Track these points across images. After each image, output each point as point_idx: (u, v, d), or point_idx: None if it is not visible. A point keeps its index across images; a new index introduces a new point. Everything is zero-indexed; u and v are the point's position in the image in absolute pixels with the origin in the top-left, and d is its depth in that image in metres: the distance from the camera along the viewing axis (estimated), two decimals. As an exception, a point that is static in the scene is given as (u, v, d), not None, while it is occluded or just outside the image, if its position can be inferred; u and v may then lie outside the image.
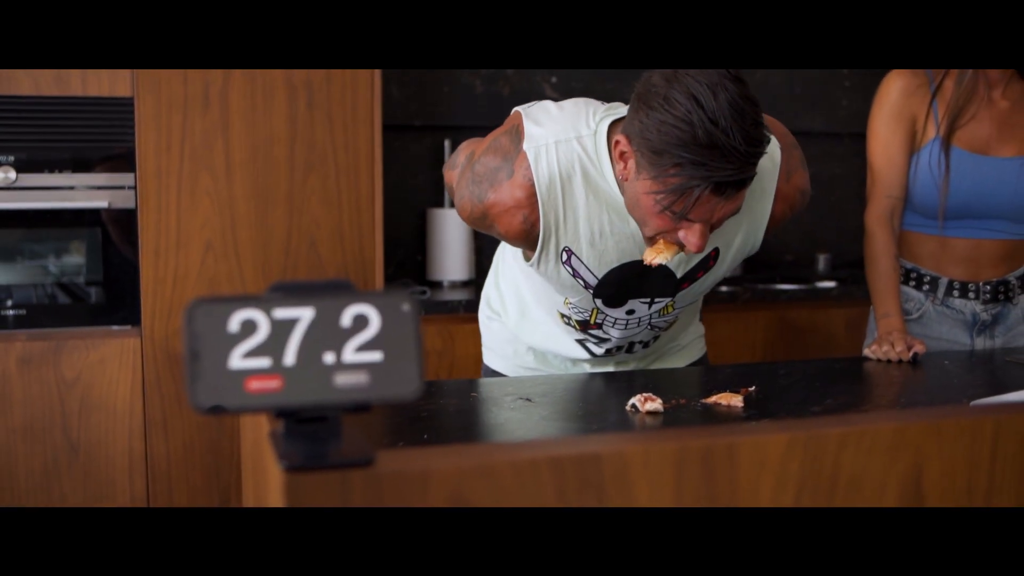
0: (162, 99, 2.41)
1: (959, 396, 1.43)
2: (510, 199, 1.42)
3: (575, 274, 1.48)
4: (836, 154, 3.47)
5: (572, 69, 3.15)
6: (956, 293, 2.01)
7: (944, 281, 2.02)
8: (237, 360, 0.65)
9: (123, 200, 2.45)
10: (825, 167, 3.43)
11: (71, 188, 2.42)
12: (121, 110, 2.41)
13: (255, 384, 0.66)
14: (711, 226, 1.31)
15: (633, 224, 1.41)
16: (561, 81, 3.16)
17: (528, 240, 1.47)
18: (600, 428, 1.26)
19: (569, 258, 1.47)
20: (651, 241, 1.37)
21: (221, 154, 2.47)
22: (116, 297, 2.48)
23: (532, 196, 1.41)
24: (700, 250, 1.32)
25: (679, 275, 1.51)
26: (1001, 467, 0.80)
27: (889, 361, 1.74)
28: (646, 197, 1.30)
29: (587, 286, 1.50)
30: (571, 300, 1.56)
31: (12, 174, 2.36)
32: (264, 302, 0.66)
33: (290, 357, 0.66)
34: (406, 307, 0.69)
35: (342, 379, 0.67)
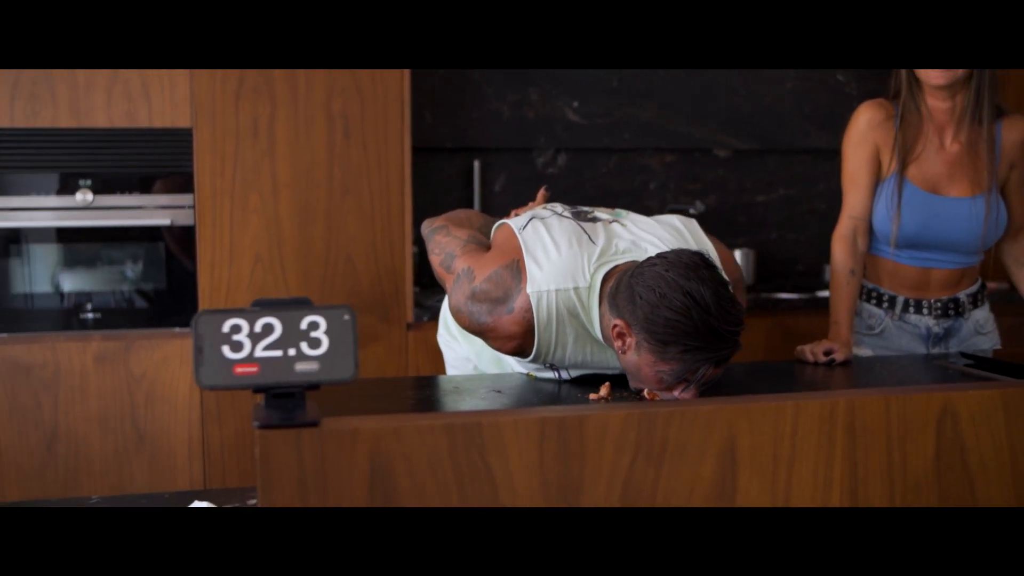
0: (217, 129, 2.73)
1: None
2: (507, 331, 1.64)
3: (553, 367, 1.75)
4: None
5: (592, 95, 3.42)
6: (911, 310, 2.23)
7: (900, 299, 2.23)
8: (228, 352, 0.95)
9: (183, 218, 2.77)
10: (834, 183, 3.61)
11: (139, 208, 2.75)
12: (182, 139, 2.73)
13: (239, 369, 0.95)
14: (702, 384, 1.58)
15: (610, 353, 1.66)
16: (582, 105, 3.43)
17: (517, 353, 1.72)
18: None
19: (552, 365, 1.74)
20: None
21: (268, 177, 2.77)
22: (177, 303, 2.80)
23: (528, 332, 1.63)
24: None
25: None
26: (801, 439, 1.05)
27: (816, 363, 1.99)
28: (650, 371, 1.54)
29: (561, 378, 1.77)
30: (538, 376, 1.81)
31: (90, 196, 2.70)
32: (247, 313, 0.96)
33: (264, 351, 0.95)
34: (346, 316, 0.97)
35: (300, 366, 0.96)
